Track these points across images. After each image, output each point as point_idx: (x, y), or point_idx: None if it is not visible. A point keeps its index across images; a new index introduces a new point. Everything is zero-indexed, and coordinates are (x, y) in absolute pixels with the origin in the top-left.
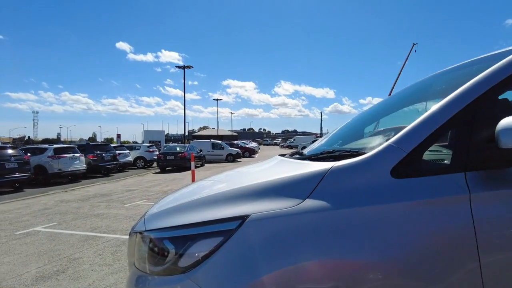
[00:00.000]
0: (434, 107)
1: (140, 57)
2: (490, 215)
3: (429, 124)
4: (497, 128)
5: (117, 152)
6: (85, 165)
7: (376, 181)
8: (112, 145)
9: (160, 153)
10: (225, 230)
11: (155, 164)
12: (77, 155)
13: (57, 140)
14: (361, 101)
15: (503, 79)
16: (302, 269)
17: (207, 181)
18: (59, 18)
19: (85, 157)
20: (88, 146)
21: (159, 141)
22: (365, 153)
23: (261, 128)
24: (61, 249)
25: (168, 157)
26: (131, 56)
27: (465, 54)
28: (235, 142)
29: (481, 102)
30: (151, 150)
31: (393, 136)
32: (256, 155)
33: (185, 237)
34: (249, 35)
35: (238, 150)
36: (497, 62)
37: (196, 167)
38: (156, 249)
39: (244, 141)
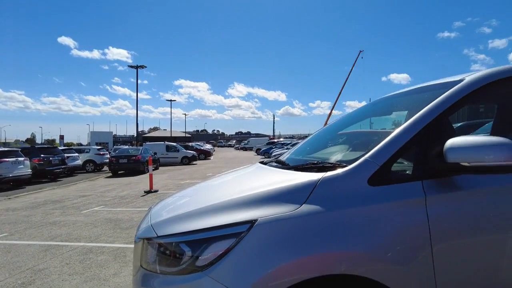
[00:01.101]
0: (398, 129)
1: (85, 54)
2: (440, 212)
3: (395, 143)
4: (445, 147)
5: (66, 155)
6: (30, 170)
7: (357, 188)
8: (59, 148)
9: (112, 156)
10: (237, 233)
11: (105, 168)
12: (21, 159)
13: None
14: (311, 104)
15: (449, 106)
16: (304, 261)
17: (205, 187)
18: None
19: (30, 161)
20: (33, 150)
21: (107, 143)
22: (346, 165)
23: (214, 130)
24: (20, 260)
25: (120, 161)
26: (75, 52)
27: (405, 63)
28: (190, 144)
29: (434, 125)
30: (101, 153)
31: (368, 152)
32: (212, 157)
33: (201, 240)
34: (201, 35)
35: (194, 152)
36: (445, 91)
37: None
38: (168, 252)
39: (198, 143)
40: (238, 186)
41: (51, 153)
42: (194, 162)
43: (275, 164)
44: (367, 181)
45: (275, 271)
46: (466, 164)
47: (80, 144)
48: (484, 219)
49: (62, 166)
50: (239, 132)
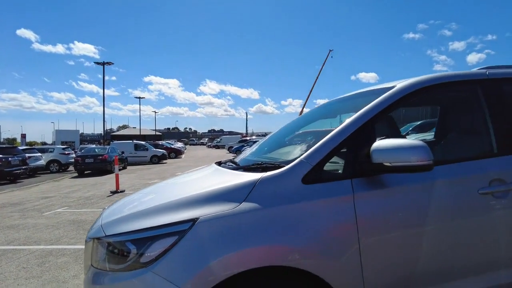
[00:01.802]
0: (331, 133)
1: (48, 48)
2: (366, 208)
3: (327, 146)
4: (371, 149)
5: (27, 155)
6: None
7: (292, 187)
8: (20, 147)
9: (77, 156)
10: (179, 231)
11: (71, 168)
12: None
13: None
14: (283, 102)
15: (379, 111)
16: (241, 254)
17: (156, 188)
18: None
19: None
20: None
21: (73, 142)
22: (284, 166)
23: (186, 128)
24: None
25: (87, 160)
26: (37, 46)
27: (373, 63)
28: (160, 142)
29: (364, 129)
30: (66, 152)
31: (304, 152)
32: (183, 156)
33: (145, 238)
34: (172, 31)
35: (164, 151)
36: (377, 97)
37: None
38: (116, 250)
39: (169, 141)
40: (187, 188)
41: (10, 153)
42: (164, 161)
43: (229, 165)
44: (301, 180)
45: (214, 264)
46: (388, 164)
47: (45, 143)
48: (404, 214)
49: (23, 167)
50: (212, 130)
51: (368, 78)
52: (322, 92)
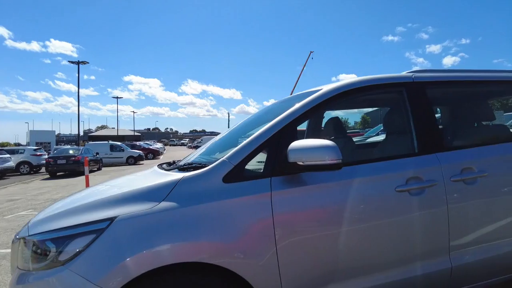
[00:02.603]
0: (255, 134)
1: (22, 45)
2: (283, 205)
3: (249, 146)
4: (288, 149)
5: None
6: None
7: (212, 186)
8: None
9: (49, 157)
10: (97, 229)
11: (43, 169)
12: None
13: None
14: (265, 102)
15: (302, 113)
16: (156, 251)
17: (90, 189)
18: None
19: None
20: None
21: (49, 143)
22: (208, 166)
23: (167, 128)
24: None
25: (59, 161)
26: (10, 43)
27: (353, 64)
28: (137, 143)
29: (286, 129)
30: (38, 153)
31: (228, 152)
32: (161, 157)
33: (64, 237)
34: (153, 29)
35: (140, 152)
36: (299, 101)
37: (92, 171)
38: (38, 250)
39: (147, 142)
40: (115, 188)
41: None
42: (141, 162)
43: (165, 166)
44: (222, 179)
45: (128, 261)
46: (301, 163)
47: (19, 144)
48: (321, 212)
49: None
50: (193, 130)
51: (349, 79)
52: None
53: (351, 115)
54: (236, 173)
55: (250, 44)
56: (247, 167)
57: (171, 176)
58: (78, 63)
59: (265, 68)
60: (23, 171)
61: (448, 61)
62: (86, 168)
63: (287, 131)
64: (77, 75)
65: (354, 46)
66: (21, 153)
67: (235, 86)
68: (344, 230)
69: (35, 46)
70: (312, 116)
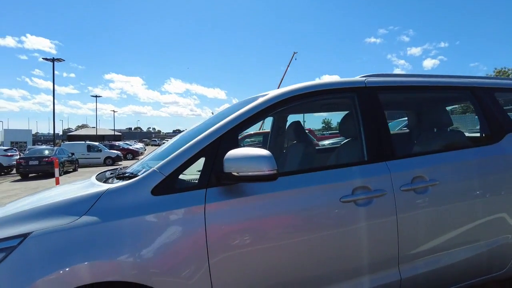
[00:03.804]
0: (191, 141)
1: None
2: (217, 218)
3: (183, 155)
4: (224, 158)
5: None
6: None
7: (139, 199)
8: None
9: (20, 158)
10: (7, 247)
11: (15, 171)
12: None
13: None
14: None
15: (244, 120)
16: (74, 270)
17: (17, 201)
18: None
19: None
20: None
21: (25, 142)
22: (137, 176)
23: (150, 127)
24: None
25: (30, 162)
26: None
27: (336, 65)
28: (116, 143)
29: (224, 139)
30: (9, 154)
31: (160, 162)
32: (141, 157)
33: None
34: (134, 27)
35: (119, 152)
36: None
37: (67, 172)
38: None
39: (127, 142)
40: (39, 201)
41: None
42: (119, 163)
43: (108, 174)
44: (152, 191)
45: (40, 282)
46: (236, 174)
47: None
48: (259, 224)
49: None
50: (176, 130)
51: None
52: None
53: (335, 116)
54: (168, 184)
55: (234, 43)
56: (183, 177)
57: (96, 188)
58: (53, 60)
59: (249, 68)
60: None
61: (428, 64)
62: (56, 170)
63: (226, 139)
64: (57, 72)
65: (337, 48)
66: None
67: (219, 86)
68: (283, 243)
69: (10, 41)
70: (256, 122)
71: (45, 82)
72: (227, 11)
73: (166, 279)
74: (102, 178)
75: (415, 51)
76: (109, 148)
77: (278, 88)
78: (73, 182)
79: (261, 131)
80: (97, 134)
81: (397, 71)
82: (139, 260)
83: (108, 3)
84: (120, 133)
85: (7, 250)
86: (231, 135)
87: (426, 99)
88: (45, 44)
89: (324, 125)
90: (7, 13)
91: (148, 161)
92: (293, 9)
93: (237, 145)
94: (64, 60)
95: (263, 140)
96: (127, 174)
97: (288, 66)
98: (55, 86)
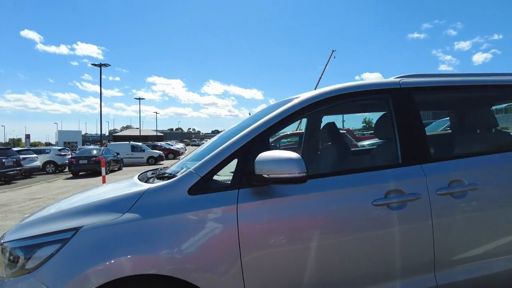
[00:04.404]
0: (224, 144)
1: (52, 49)
2: (249, 218)
3: (217, 157)
4: (255, 160)
5: (22, 156)
6: None
7: (177, 198)
8: (16, 148)
9: (71, 157)
10: (62, 239)
11: (67, 169)
12: None
13: None
14: None
15: (271, 125)
16: (117, 262)
17: (69, 199)
18: None
19: None
20: None
21: (76, 142)
22: (175, 176)
23: (190, 128)
24: None
25: (80, 161)
26: (41, 47)
27: (377, 63)
28: (159, 143)
29: (255, 141)
30: (62, 153)
31: (196, 164)
32: (181, 157)
33: (32, 245)
34: (175, 31)
35: (161, 152)
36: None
37: (113, 171)
38: (11, 257)
39: (169, 142)
40: (90, 198)
41: (4, 154)
42: (161, 162)
43: (149, 174)
44: (188, 191)
45: (89, 272)
46: (266, 176)
47: (49, 144)
48: (289, 225)
49: (17, 168)
50: (215, 130)
51: (373, 78)
52: None
53: (376, 116)
54: (203, 184)
55: (270, 44)
56: (217, 178)
57: (138, 187)
58: (100, 65)
59: (286, 67)
60: (49, 170)
61: (479, 58)
62: (103, 169)
63: (258, 142)
64: (103, 76)
65: (378, 44)
66: (47, 153)
67: (257, 86)
68: (312, 244)
69: (63, 49)
70: (287, 125)
71: (93, 86)
72: (263, 10)
73: (201, 274)
74: (143, 178)
75: (464, 45)
76: (152, 148)
77: (316, 87)
78: (117, 181)
79: (297, 131)
80: (141, 134)
81: (443, 67)
82: (176, 255)
83: (150, 10)
84: (162, 134)
85: (62, 241)
86: (262, 138)
87: (467, 99)
88: (93, 50)
89: (364, 124)
90: (62, 23)
91: (187, 161)
92: (331, 6)
93: (268, 148)
94: (110, 65)
95: (299, 141)
96: (166, 175)
97: (327, 64)
98: (103, 89)
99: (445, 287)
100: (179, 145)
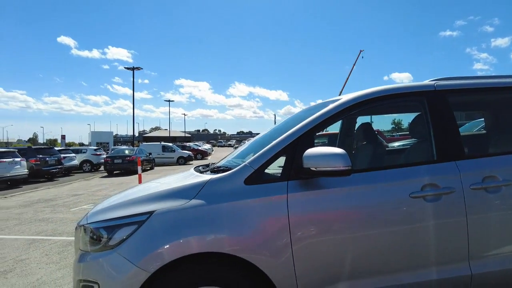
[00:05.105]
0: (275, 141)
1: (85, 53)
2: (298, 206)
3: (268, 153)
4: (303, 155)
5: (62, 155)
6: (26, 170)
7: (235, 187)
8: (56, 148)
9: (107, 157)
10: (139, 221)
11: (102, 168)
12: (18, 159)
13: None
14: (312, 103)
15: (316, 125)
16: (186, 241)
17: (137, 187)
18: None
19: (26, 161)
20: (30, 150)
21: (107, 143)
22: (232, 169)
23: (216, 129)
24: (5, 252)
25: (115, 161)
26: (75, 51)
27: (406, 62)
28: (187, 144)
29: (303, 137)
30: (98, 153)
31: (250, 157)
32: (209, 157)
33: (114, 226)
34: (201, 34)
35: (190, 152)
36: (321, 109)
37: (145, 170)
38: (94, 235)
39: (197, 143)
40: (158, 187)
41: (47, 153)
42: (190, 162)
43: (201, 168)
44: (244, 181)
45: (162, 248)
46: (314, 168)
47: (82, 144)
48: (335, 215)
49: (59, 166)
50: (240, 131)
51: (402, 78)
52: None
53: (405, 117)
54: (256, 176)
55: (296, 44)
56: (267, 171)
57: (201, 178)
58: (133, 69)
59: (312, 68)
60: (85, 169)
61: None
62: (139, 168)
63: (304, 139)
64: (132, 79)
65: (408, 43)
66: (83, 152)
67: (282, 88)
68: (355, 233)
69: (95, 53)
70: (330, 125)
71: (123, 88)
72: (289, 10)
73: (255, 254)
74: (199, 171)
75: (501, 42)
76: (181, 148)
77: (343, 87)
78: (175, 174)
79: (324, 132)
80: (170, 135)
81: (478, 66)
82: (235, 236)
83: (177, 15)
84: (189, 135)
85: (138, 223)
86: (308, 135)
87: (500, 100)
88: (123, 54)
89: (393, 126)
90: (94, 28)
91: (233, 158)
92: (358, 4)
93: (313, 144)
94: (142, 69)
95: (328, 142)
96: (221, 168)
97: (354, 65)
98: (132, 91)
99: (480, 276)
100: (206, 146)
